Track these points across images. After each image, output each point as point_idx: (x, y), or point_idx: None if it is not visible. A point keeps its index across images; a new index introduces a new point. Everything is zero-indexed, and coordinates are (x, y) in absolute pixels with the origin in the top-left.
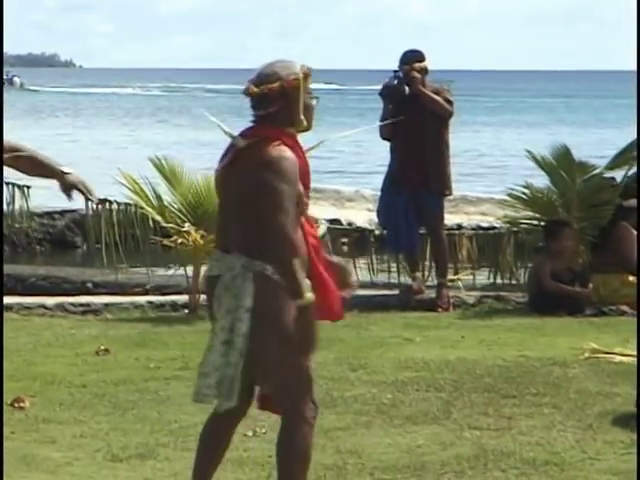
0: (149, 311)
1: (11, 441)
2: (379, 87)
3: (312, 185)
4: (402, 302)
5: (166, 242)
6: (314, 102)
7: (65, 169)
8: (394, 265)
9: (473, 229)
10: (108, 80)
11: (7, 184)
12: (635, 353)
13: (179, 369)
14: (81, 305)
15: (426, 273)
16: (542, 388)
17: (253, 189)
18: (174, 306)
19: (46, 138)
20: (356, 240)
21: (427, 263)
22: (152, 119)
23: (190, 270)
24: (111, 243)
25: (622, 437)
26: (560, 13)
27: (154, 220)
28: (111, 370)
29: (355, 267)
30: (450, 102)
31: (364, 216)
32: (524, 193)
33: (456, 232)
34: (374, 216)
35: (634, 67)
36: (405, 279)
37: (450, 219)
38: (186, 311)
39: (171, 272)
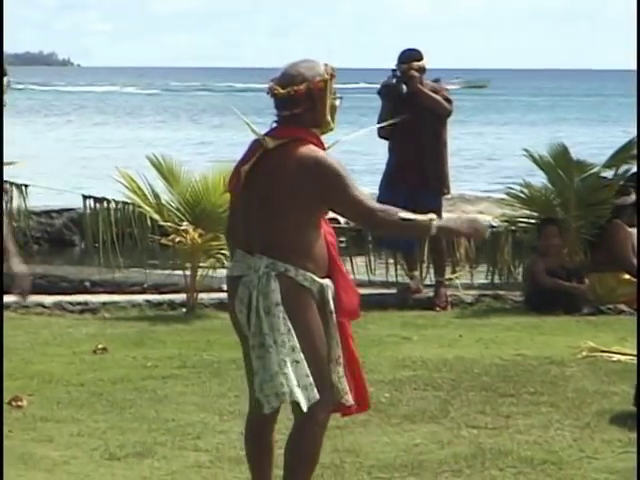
0: (147, 310)
1: (9, 440)
2: (377, 86)
3: None
4: (400, 301)
5: (164, 241)
6: (337, 102)
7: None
8: (392, 264)
9: None
10: (104, 79)
11: (5, 183)
12: (633, 352)
13: (177, 368)
14: (79, 304)
15: (424, 272)
16: (540, 387)
17: (285, 190)
18: (172, 305)
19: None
20: (354, 239)
21: (425, 262)
22: (141, 118)
23: (188, 269)
24: (109, 242)
25: (620, 436)
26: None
27: (152, 219)
28: (108, 369)
29: (352, 266)
30: (449, 101)
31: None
32: (522, 192)
33: None
34: (358, 225)
35: (627, 66)
36: (403, 278)
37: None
38: (184, 310)
39: (169, 271)
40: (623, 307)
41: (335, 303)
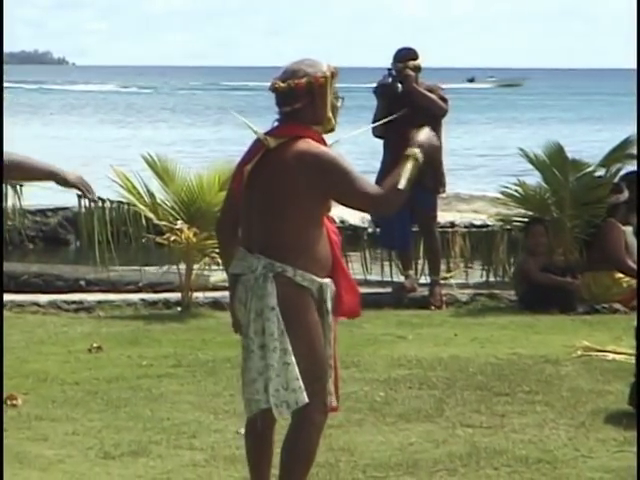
0: (142, 309)
1: (4, 438)
2: (373, 85)
3: None
4: (395, 300)
5: (159, 240)
6: (339, 103)
7: (59, 169)
8: (387, 263)
9: (466, 227)
10: (100, 78)
11: None
12: (628, 351)
13: (172, 366)
14: (74, 303)
15: (419, 271)
16: (535, 386)
17: (286, 189)
18: (167, 304)
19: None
20: (349, 238)
21: (420, 261)
22: (136, 117)
23: (183, 268)
24: (104, 241)
25: (614, 435)
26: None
27: (147, 218)
28: (103, 368)
29: (348, 265)
30: (445, 100)
31: (357, 213)
32: (517, 191)
33: (449, 230)
34: (367, 213)
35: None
36: (398, 277)
37: (443, 217)
38: (179, 309)
39: (164, 270)
40: (618, 306)
41: (335, 303)
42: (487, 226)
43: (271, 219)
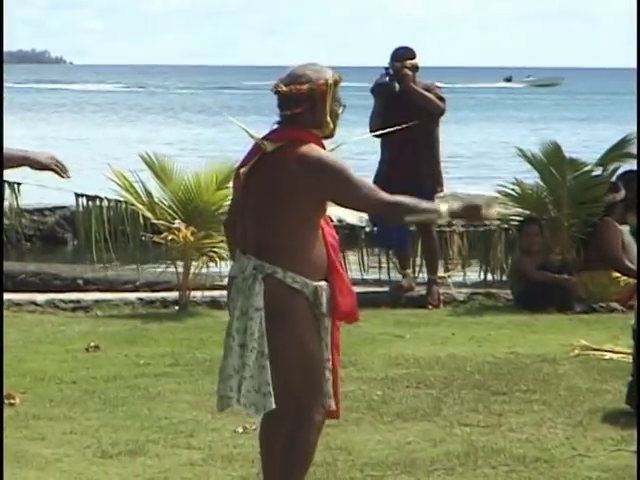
0: (139, 308)
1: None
2: (370, 84)
3: None
4: (392, 299)
5: (156, 239)
6: (340, 110)
7: (31, 153)
8: (385, 262)
9: (463, 226)
10: (97, 77)
11: None
12: (625, 350)
13: (169, 366)
14: (71, 302)
15: (416, 270)
16: (532, 385)
17: (282, 191)
18: (164, 303)
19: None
20: (346, 237)
21: (418, 260)
22: (134, 116)
23: (180, 267)
24: (101, 240)
25: (612, 434)
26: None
27: (144, 217)
28: (101, 367)
29: (345, 264)
30: (442, 99)
31: (355, 213)
32: (514, 190)
33: (447, 229)
34: (364, 213)
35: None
36: (395, 276)
37: None
38: (176, 308)
39: (161, 269)
40: (615, 305)
41: (330, 306)
42: (485, 225)
43: (265, 221)
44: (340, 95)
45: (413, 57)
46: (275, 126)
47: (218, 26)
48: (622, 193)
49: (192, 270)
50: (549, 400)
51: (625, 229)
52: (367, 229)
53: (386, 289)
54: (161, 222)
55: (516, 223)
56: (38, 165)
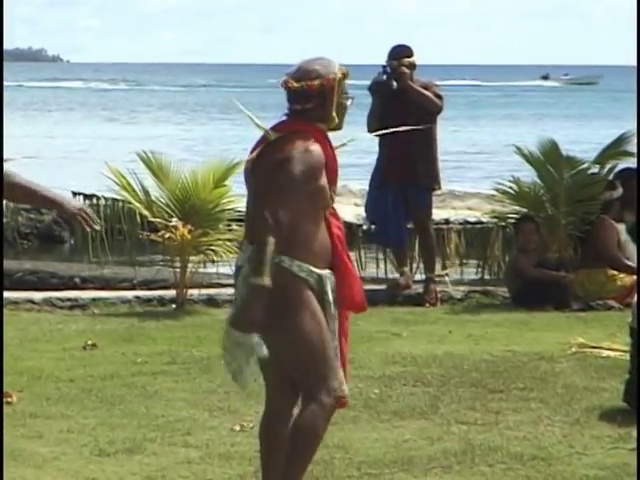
0: (136, 306)
1: None
2: (368, 82)
3: None
4: (390, 297)
5: (153, 237)
6: (348, 102)
7: (60, 199)
8: (382, 260)
9: (461, 224)
10: (94, 75)
11: None
12: (622, 348)
13: (166, 364)
14: (68, 300)
15: (414, 268)
16: (529, 383)
17: (272, 180)
18: (161, 301)
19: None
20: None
21: (415, 258)
22: (131, 114)
23: (177, 265)
24: (98, 238)
25: (609, 432)
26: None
27: (141, 215)
28: (98, 365)
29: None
30: (440, 97)
31: (351, 211)
32: (511, 188)
33: (444, 227)
34: (361, 211)
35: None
36: (393, 274)
37: (438, 214)
38: (173, 306)
39: (158, 267)
40: (613, 303)
41: (336, 295)
42: (482, 223)
43: (259, 207)
44: (347, 88)
45: (410, 55)
46: (284, 118)
47: (215, 24)
48: (619, 191)
49: (189, 268)
50: (546, 398)
51: (622, 227)
52: (364, 227)
53: (383, 287)
54: (158, 220)
55: (513, 221)
56: (66, 213)
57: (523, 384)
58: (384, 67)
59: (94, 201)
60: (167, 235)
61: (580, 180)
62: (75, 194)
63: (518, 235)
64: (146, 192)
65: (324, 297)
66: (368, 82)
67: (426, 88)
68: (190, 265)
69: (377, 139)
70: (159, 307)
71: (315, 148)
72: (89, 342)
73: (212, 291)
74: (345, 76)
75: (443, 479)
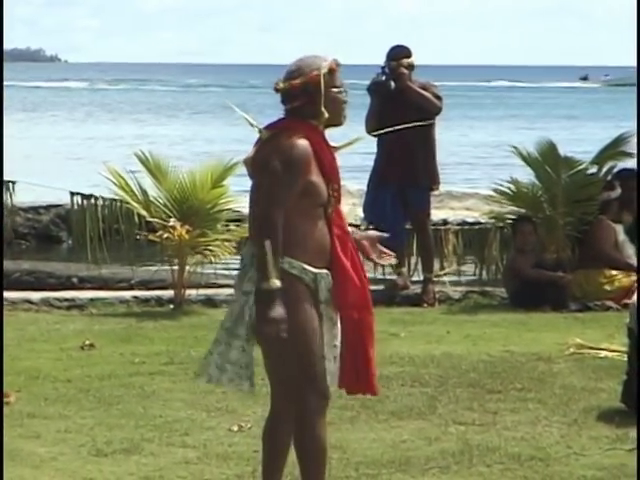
0: (134, 306)
1: None
2: (367, 82)
3: None
4: (387, 297)
5: (151, 237)
6: (343, 96)
7: None
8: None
9: (459, 224)
10: (92, 75)
11: None
12: (620, 348)
13: (164, 364)
14: (66, 300)
15: (412, 268)
16: (527, 383)
17: (261, 177)
18: (159, 301)
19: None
20: None
21: (413, 258)
22: (129, 114)
23: (175, 265)
24: (96, 238)
25: (607, 432)
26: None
27: (139, 215)
28: (96, 365)
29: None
30: (439, 98)
31: (349, 211)
32: (509, 188)
33: (442, 227)
34: (360, 211)
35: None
36: (390, 274)
37: (436, 214)
38: (171, 306)
39: (156, 267)
40: (610, 303)
41: (331, 295)
42: (480, 223)
43: (254, 206)
44: (341, 81)
45: (409, 56)
46: (280, 117)
47: (213, 24)
48: (617, 191)
49: (187, 268)
50: (544, 398)
51: (619, 228)
52: (362, 227)
53: (381, 287)
54: (156, 220)
55: (511, 221)
56: None
57: (521, 384)
58: (383, 68)
59: (92, 201)
60: (165, 235)
61: (578, 180)
62: (73, 194)
63: (516, 236)
64: (144, 192)
65: (317, 296)
66: (367, 82)
67: (425, 89)
68: (188, 265)
69: (375, 140)
70: (157, 307)
71: (300, 142)
72: (87, 342)
73: (210, 291)
74: (333, 70)
75: (441, 479)
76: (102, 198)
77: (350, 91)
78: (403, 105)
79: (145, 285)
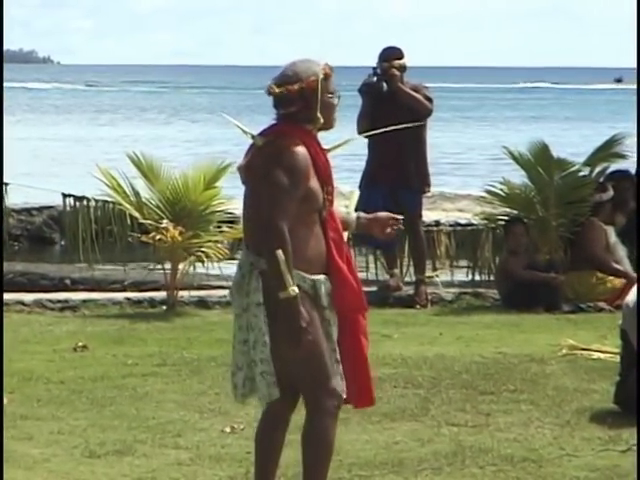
0: (127, 307)
1: None
2: (358, 84)
3: None
4: (380, 299)
5: (144, 238)
6: (335, 101)
7: None
8: (372, 262)
9: (451, 226)
10: (84, 77)
11: None
12: (613, 350)
13: (157, 365)
14: (59, 301)
15: (404, 270)
16: (520, 385)
17: (262, 185)
18: (152, 303)
19: None
20: None
21: (405, 260)
22: (122, 116)
23: (168, 266)
24: (89, 240)
25: (599, 434)
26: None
27: (132, 216)
28: (89, 366)
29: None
30: (430, 99)
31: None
32: (502, 190)
33: (434, 229)
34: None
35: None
36: (383, 276)
37: (428, 216)
38: (164, 308)
39: (149, 269)
40: (603, 305)
41: (331, 299)
42: (472, 225)
43: (257, 217)
44: (334, 86)
45: (401, 57)
46: (272, 122)
47: (205, 25)
48: (610, 193)
49: (180, 270)
50: (537, 400)
51: (611, 230)
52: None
53: (374, 289)
54: (149, 222)
55: (503, 222)
56: None
57: (514, 386)
58: (374, 69)
59: (84, 203)
60: (158, 237)
61: (570, 182)
62: (65, 195)
63: (507, 237)
64: (137, 194)
65: (318, 301)
66: (358, 84)
67: (416, 90)
68: (181, 267)
69: (367, 141)
70: (150, 309)
71: (299, 150)
72: (80, 344)
73: (203, 293)
74: (328, 75)
75: None
76: (94, 200)
77: (341, 93)
78: (395, 106)
79: (138, 286)
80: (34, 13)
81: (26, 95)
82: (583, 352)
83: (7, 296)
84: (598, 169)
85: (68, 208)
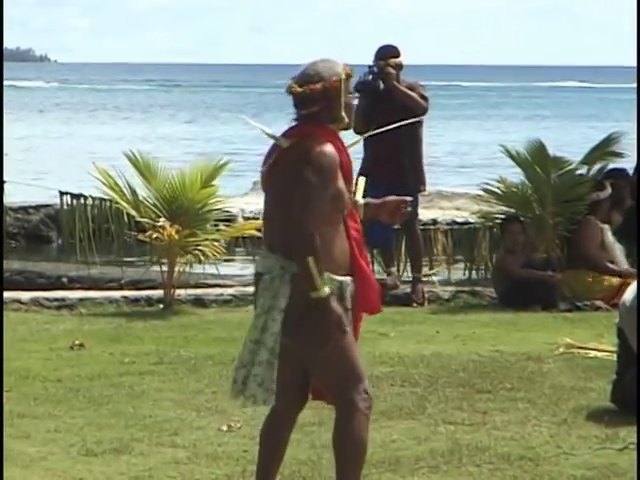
0: (124, 306)
1: None
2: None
3: None
4: None
5: (141, 237)
6: (355, 101)
7: None
8: (369, 260)
9: (448, 224)
10: (81, 76)
11: None
12: (609, 348)
13: (154, 364)
14: (56, 300)
15: (401, 268)
16: (517, 383)
17: (292, 186)
18: (149, 301)
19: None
20: None
21: (402, 258)
22: (119, 114)
23: (165, 265)
24: (86, 238)
25: (596, 432)
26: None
27: (129, 215)
28: (86, 365)
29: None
30: (425, 98)
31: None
32: (499, 188)
33: (431, 227)
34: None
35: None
36: (380, 274)
37: (425, 214)
38: (161, 306)
39: (146, 267)
40: (600, 303)
41: (353, 300)
42: (469, 223)
43: (285, 219)
44: (351, 86)
45: (397, 55)
46: (293, 123)
47: (204, 24)
48: (607, 192)
49: (177, 268)
50: (534, 398)
51: (606, 228)
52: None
53: None
54: (146, 220)
55: (500, 221)
56: None
57: (510, 384)
58: (370, 67)
59: (81, 201)
60: (155, 235)
61: (567, 180)
62: (62, 194)
63: (504, 236)
64: (134, 192)
65: (343, 303)
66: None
67: (412, 89)
68: (178, 265)
69: (362, 140)
70: (146, 307)
71: (328, 150)
72: (76, 342)
73: (199, 291)
74: (349, 75)
75: (430, 479)
76: (92, 198)
77: None
78: (391, 105)
79: (135, 285)
80: (31, 11)
81: (23, 93)
82: (580, 350)
83: (4, 294)
84: (595, 167)
85: (65, 206)
